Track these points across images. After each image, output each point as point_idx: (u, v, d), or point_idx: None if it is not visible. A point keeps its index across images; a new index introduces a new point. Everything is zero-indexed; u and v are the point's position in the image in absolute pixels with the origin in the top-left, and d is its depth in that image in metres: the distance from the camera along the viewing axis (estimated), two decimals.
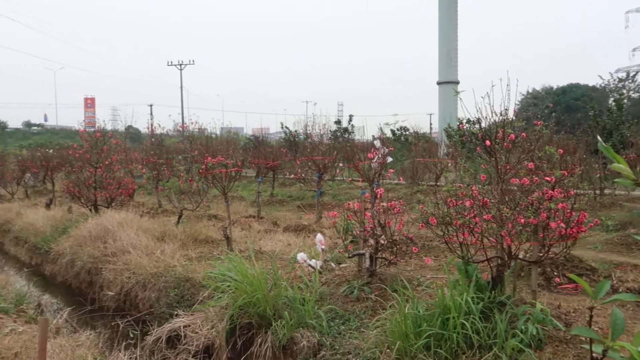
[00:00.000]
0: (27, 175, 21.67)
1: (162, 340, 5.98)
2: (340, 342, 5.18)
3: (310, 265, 7.01)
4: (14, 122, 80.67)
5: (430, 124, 66.21)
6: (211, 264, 7.79)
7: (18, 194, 20.39)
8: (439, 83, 62.13)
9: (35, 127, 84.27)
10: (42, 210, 15.01)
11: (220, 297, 6.23)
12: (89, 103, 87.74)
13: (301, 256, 7.16)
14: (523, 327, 4.34)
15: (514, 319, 4.55)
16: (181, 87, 62.63)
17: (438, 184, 15.82)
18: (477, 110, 5.30)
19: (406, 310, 4.75)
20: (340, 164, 14.32)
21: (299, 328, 5.52)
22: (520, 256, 4.96)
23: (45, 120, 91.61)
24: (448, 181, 15.18)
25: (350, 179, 17.71)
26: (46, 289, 10.24)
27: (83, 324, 7.01)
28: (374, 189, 7.27)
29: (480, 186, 5.06)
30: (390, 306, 5.22)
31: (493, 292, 4.83)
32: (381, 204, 6.44)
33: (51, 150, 24.10)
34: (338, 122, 29.35)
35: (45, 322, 3.36)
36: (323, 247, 7.49)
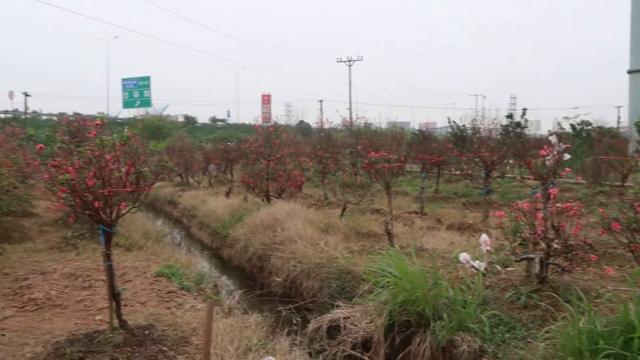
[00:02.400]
0: (211, 166, 23.87)
1: (323, 329, 6.15)
2: (504, 351, 4.85)
3: (473, 266, 6.69)
4: (202, 117, 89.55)
5: (618, 117, 59.55)
6: (372, 258, 7.83)
7: (203, 183, 22.59)
8: (629, 72, 55.35)
9: (220, 122, 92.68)
10: (222, 199, 16.40)
11: (380, 292, 6.22)
12: (266, 100, 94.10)
13: (464, 256, 6.86)
14: None
15: None
16: (350, 82, 64.30)
17: (625, 185, 14.15)
18: None
19: (581, 324, 4.28)
20: (511, 161, 13.48)
21: (459, 331, 5.30)
22: None
23: (228, 116, 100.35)
24: (637, 182, 13.53)
25: (520, 177, 16.62)
26: (223, 271, 11.18)
27: (252, 306, 7.51)
28: (547, 189, 6.68)
29: None
30: (561, 317, 4.75)
31: None
32: (555, 204, 5.90)
33: (231, 144, 26.32)
34: (510, 116, 27.68)
35: (211, 305, 3.63)
36: (488, 248, 7.10)
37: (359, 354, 5.76)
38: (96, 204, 4.63)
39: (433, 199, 16.21)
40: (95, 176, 4.60)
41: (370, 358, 5.85)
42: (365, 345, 5.90)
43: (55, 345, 4.87)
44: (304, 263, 8.73)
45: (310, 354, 4.94)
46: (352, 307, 6.44)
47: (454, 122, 26.96)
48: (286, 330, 5.22)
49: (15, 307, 6.51)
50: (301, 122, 47.69)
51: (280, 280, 9.00)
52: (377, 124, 29.05)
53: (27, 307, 6.48)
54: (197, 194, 19.14)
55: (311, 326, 6.21)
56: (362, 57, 65.10)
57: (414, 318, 5.75)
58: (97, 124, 4.78)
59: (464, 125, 25.51)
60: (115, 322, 5.02)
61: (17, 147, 14.28)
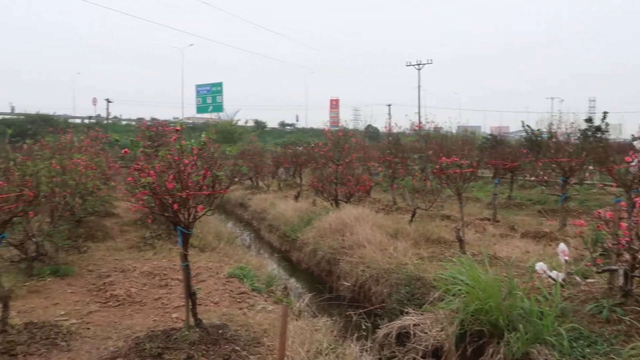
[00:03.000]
0: (280, 170, 24.28)
1: (392, 335, 6.10)
2: None
3: (550, 276, 6.42)
4: (272, 122, 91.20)
5: None
6: (442, 265, 7.70)
7: (272, 186, 22.99)
8: None
9: (289, 127, 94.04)
10: (291, 202, 16.63)
11: (451, 300, 6.10)
12: (334, 104, 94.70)
13: (540, 266, 6.60)
14: None
15: None
16: (419, 86, 63.47)
17: None
18: None
19: None
20: (590, 167, 12.86)
21: (535, 344, 5.10)
22: None
23: (297, 120, 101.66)
24: None
25: (601, 184, 15.80)
26: (292, 274, 11.31)
27: (321, 310, 7.56)
28: (632, 197, 6.32)
29: None
30: None
31: None
32: None
33: (300, 148, 26.64)
34: (589, 119, 26.39)
35: (286, 308, 3.69)
36: (566, 258, 6.80)
37: None
38: (175, 206, 4.82)
39: (506, 205, 15.72)
40: (174, 179, 4.80)
41: None
42: (436, 353, 5.80)
43: (136, 341, 5.11)
44: (373, 268, 8.70)
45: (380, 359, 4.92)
46: (422, 314, 6.35)
47: (528, 126, 26.05)
48: (356, 335, 5.21)
49: (99, 302, 6.89)
50: (369, 126, 47.39)
51: (348, 284, 9.01)
52: (447, 128, 28.48)
53: (110, 303, 6.84)
54: (267, 197, 19.50)
55: (381, 332, 6.18)
56: (431, 60, 64.13)
57: (487, 328, 5.60)
58: (177, 129, 4.98)
59: (538, 130, 24.58)
60: (191, 320, 5.19)
61: (100, 151, 15.11)
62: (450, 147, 12.86)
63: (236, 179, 5.36)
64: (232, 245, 11.05)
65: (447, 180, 9.19)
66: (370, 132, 50.83)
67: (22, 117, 56.22)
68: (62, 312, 6.31)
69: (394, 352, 5.87)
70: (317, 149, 16.70)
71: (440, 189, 11.26)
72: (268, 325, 5.65)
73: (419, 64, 63.29)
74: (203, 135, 4.98)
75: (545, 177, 13.50)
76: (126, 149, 4.87)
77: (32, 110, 57.50)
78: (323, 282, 10.04)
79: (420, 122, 27.10)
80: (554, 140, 15.24)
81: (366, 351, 4.90)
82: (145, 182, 4.58)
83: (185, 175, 4.81)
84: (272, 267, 10.68)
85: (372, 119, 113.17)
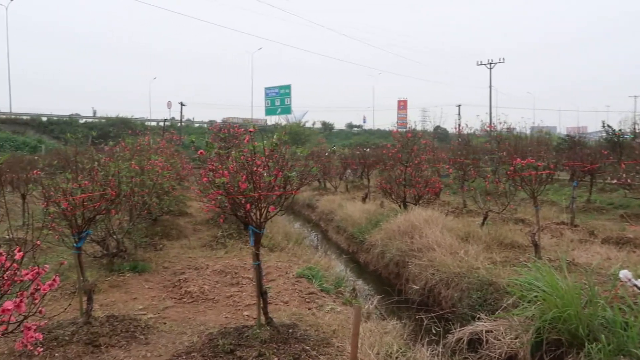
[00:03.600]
0: (347, 171, 24.29)
1: (464, 341, 5.95)
2: None
3: (635, 285, 6.04)
4: (339, 124, 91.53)
5: None
6: (516, 270, 7.44)
7: (340, 188, 23.04)
8: None
9: (356, 128, 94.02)
10: (359, 204, 16.60)
11: (526, 307, 5.87)
12: (402, 105, 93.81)
13: (624, 274, 6.21)
14: None
15: None
16: (490, 86, 61.78)
17: None
18: None
19: None
20: None
21: (619, 356, 4.82)
22: None
23: (364, 122, 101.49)
24: None
25: None
26: (359, 275, 11.28)
27: (389, 312, 7.49)
28: None
29: None
30: None
31: None
32: None
33: (368, 149, 26.57)
34: None
35: (359, 309, 3.67)
36: None
37: None
38: (247, 206, 4.92)
39: (585, 209, 14.98)
40: (247, 180, 4.90)
41: None
42: None
43: (209, 337, 5.25)
44: (443, 272, 8.53)
45: None
46: (495, 320, 6.16)
47: (609, 126, 24.73)
48: (426, 339, 5.12)
49: (174, 298, 7.14)
50: (438, 127, 46.57)
51: (417, 287, 8.88)
52: (520, 129, 27.54)
53: (184, 299, 7.07)
54: (334, 199, 19.56)
55: (452, 337, 6.04)
56: (503, 59, 62.12)
57: (565, 337, 5.35)
58: (250, 131, 5.08)
59: (620, 130, 23.30)
60: (262, 318, 5.28)
61: (174, 152, 15.70)
62: (525, 148, 12.38)
63: (307, 180, 5.40)
64: (301, 246, 11.15)
65: (521, 182, 8.87)
66: (439, 133, 49.95)
67: (103, 120, 59.36)
68: (141, 307, 6.60)
69: (466, 358, 5.72)
70: (386, 150, 16.56)
71: (514, 191, 10.89)
72: (337, 326, 5.66)
73: (490, 63, 61.60)
74: (275, 137, 5.05)
75: (629, 180, 12.78)
76: (202, 150, 5.01)
77: (112, 113, 60.63)
78: (391, 285, 9.94)
79: (491, 123, 26.34)
80: (638, 140, 14.39)
81: (437, 356, 4.80)
82: (219, 182, 4.70)
83: (257, 175, 4.90)
84: (339, 268, 10.70)
85: (442, 119, 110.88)
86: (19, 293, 3.61)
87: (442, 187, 15.45)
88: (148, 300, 6.95)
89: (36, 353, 4.36)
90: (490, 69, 61.51)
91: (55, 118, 57.98)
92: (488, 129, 24.60)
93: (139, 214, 9.49)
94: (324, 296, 7.30)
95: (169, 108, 76.29)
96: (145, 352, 5.13)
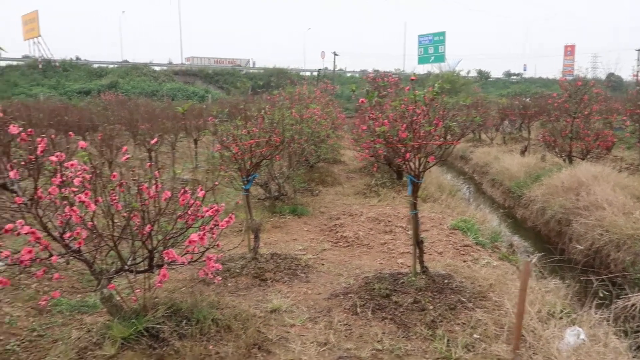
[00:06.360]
0: (505, 123, 22.98)
1: (637, 308, 5.48)
2: None
3: None
4: (496, 72, 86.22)
5: None
6: None
7: (496, 140, 21.97)
8: None
9: (514, 77, 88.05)
10: (517, 157, 15.71)
11: None
12: (569, 51, 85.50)
13: None
14: None
15: None
16: None
17: None
18: None
19: None
20: None
21: None
22: None
23: (525, 70, 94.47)
24: None
25: None
26: (516, 231, 10.81)
27: (550, 271, 7.11)
28: None
29: None
30: None
31: None
32: None
33: (528, 99, 24.82)
34: None
35: (529, 265, 3.53)
36: None
37: None
38: (407, 155, 4.91)
39: None
40: (406, 129, 4.87)
41: None
42: None
43: (365, 280, 5.45)
44: (613, 232, 7.86)
45: (625, 332, 4.46)
46: None
47: None
48: (594, 302, 4.80)
49: (331, 241, 7.48)
50: (611, 75, 41.86)
51: (582, 247, 8.29)
52: None
53: (340, 243, 7.38)
54: (490, 151, 18.74)
55: (621, 303, 5.59)
56: None
57: None
58: (412, 79, 5.00)
59: None
60: (418, 267, 5.33)
61: (329, 102, 16.06)
62: None
63: (469, 130, 5.22)
64: (454, 198, 10.92)
65: None
66: (613, 82, 44.96)
67: (261, 70, 62.25)
68: (300, 247, 7.02)
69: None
70: (551, 100, 15.34)
71: None
72: (494, 280, 5.52)
73: None
74: (437, 86, 4.93)
75: None
76: (362, 99, 5.06)
77: (269, 64, 63.28)
78: (551, 243, 9.40)
79: None
80: None
81: (607, 320, 4.48)
82: (380, 130, 4.74)
83: (417, 124, 4.85)
84: (495, 222, 10.34)
85: (617, 66, 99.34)
86: (201, 227, 4.04)
87: (615, 141, 13.96)
88: (307, 242, 7.36)
89: (215, 281, 4.88)
90: None
91: (219, 69, 62.03)
92: None
93: (298, 160, 9.96)
94: (479, 249, 7.14)
95: (323, 58, 77.64)
96: (306, 289, 5.48)
